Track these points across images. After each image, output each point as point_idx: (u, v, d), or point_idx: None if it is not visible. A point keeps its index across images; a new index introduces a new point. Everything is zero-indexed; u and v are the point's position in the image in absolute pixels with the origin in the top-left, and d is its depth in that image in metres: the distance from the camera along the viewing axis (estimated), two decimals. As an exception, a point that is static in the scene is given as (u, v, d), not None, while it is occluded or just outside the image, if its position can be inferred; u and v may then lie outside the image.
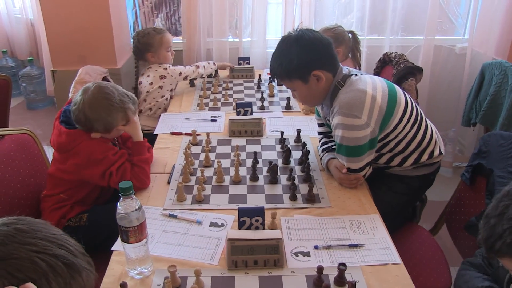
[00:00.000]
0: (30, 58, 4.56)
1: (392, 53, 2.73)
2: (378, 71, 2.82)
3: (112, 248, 1.40)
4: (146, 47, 2.69)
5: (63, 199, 1.80)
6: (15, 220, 0.77)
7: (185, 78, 2.77)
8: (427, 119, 1.93)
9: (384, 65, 2.78)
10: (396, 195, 1.89)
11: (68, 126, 1.75)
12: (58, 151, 1.78)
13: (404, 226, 2.01)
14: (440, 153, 1.92)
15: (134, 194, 1.23)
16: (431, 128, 1.92)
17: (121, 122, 1.76)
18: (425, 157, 1.86)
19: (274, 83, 2.82)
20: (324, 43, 1.73)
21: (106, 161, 1.72)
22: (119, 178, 1.71)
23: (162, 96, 2.69)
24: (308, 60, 1.70)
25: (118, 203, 1.21)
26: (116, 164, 1.73)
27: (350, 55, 2.79)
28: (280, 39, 1.79)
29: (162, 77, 2.67)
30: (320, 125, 2.03)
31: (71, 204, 1.80)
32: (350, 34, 2.76)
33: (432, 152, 1.88)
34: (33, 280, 0.69)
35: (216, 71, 3.04)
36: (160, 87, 2.68)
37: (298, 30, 1.75)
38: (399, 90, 1.82)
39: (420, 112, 1.88)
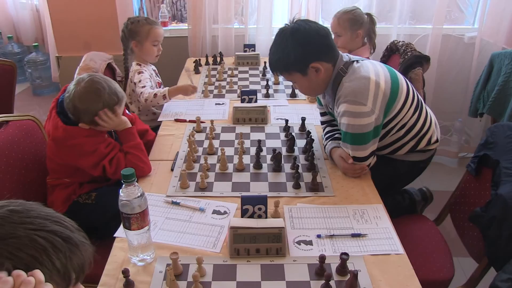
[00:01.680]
0: (36, 44, 4.56)
1: (399, 41, 2.70)
2: (385, 60, 2.79)
3: (114, 235, 1.40)
4: (132, 34, 2.50)
5: (68, 182, 1.83)
6: (7, 203, 0.77)
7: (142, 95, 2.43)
8: (426, 106, 1.93)
9: (391, 54, 2.75)
10: (378, 174, 1.80)
11: (65, 119, 1.75)
12: (52, 141, 1.78)
13: (406, 216, 2.00)
14: (437, 140, 1.93)
15: (137, 181, 1.23)
16: (430, 115, 1.93)
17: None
18: (423, 143, 1.87)
19: (279, 71, 2.80)
20: (320, 34, 1.71)
21: (97, 154, 1.73)
22: (114, 169, 1.73)
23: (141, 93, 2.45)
24: (305, 53, 1.69)
25: (120, 190, 1.21)
26: (108, 157, 1.74)
27: (366, 39, 2.73)
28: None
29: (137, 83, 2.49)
30: (322, 114, 2.02)
31: (79, 182, 1.84)
32: (367, 16, 2.69)
33: (430, 138, 1.89)
34: (34, 257, 0.71)
35: (221, 58, 3.02)
36: (133, 90, 2.53)
37: (294, 22, 1.73)
38: (400, 76, 1.82)
39: (420, 99, 1.87)
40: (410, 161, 1.91)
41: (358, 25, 2.61)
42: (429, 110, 1.94)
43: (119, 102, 1.76)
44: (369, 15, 2.69)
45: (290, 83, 2.59)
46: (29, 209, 0.77)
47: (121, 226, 1.37)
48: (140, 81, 2.44)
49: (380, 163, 1.81)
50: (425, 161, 1.96)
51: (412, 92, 1.82)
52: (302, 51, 1.68)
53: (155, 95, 2.36)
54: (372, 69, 1.73)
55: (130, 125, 1.83)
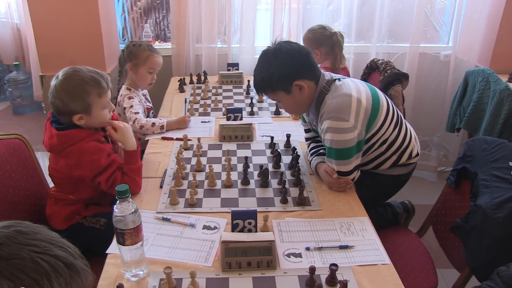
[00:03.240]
0: (16, 63, 4.54)
1: (379, 60, 2.79)
2: (365, 78, 2.88)
3: (107, 251, 1.42)
4: (130, 56, 2.46)
5: (72, 199, 1.81)
6: (14, 223, 0.78)
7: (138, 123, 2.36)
8: (405, 121, 2.01)
9: (371, 72, 2.84)
10: (362, 188, 1.84)
11: (59, 126, 1.74)
12: (50, 152, 1.78)
13: (390, 228, 2.05)
14: (417, 154, 2.01)
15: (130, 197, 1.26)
16: (410, 130, 2.01)
17: (97, 99, 1.72)
18: (404, 158, 1.95)
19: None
20: (302, 53, 1.79)
21: (97, 165, 1.72)
22: (109, 186, 1.73)
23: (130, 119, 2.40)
24: (288, 71, 1.75)
25: (115, 206, 1.23)
26: (105, 174, 1.72)
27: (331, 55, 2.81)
28: (265, 48, 1.84)
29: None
30: (306, 131, 2.08)
31: (84, 203, 1.83)
32: (334, 35, 2.78)
33: (411, 153, 1.97)
34: (35, 280, 0.71)
35: (206, 76, 3.06)
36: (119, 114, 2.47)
37: (276, 43, 1.81)
38: (380, 93, 1.90)
39: (400, 115, 1.95)
40: (393, 175, 1.98)
41: (317, 44, 2.74)
42: (408, 126, 2.02)
43: (102, 77, 1.74)
44: (334, 33, 2.78)
45: (274, 101, 2.66)
46: (36, 232, 0.78)
47: (114, 241, 1.39)
48: (131, 107, 2.40)
49: (364, 178, 1.87)
50: (407, 174, 2.03)
51: (392, 109, 1.89)
52: (285, 70, 1.75)
53: (153, 124, 2.33)
54: (354, 86, 1.80)
55: (136, 148, 1.82)
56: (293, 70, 1.76)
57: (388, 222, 2.13)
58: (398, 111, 1.97)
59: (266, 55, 1.80)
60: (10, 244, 0.73)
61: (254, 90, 2.85)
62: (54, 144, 1.73)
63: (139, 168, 1.81)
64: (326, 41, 2.77)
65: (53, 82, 1.72)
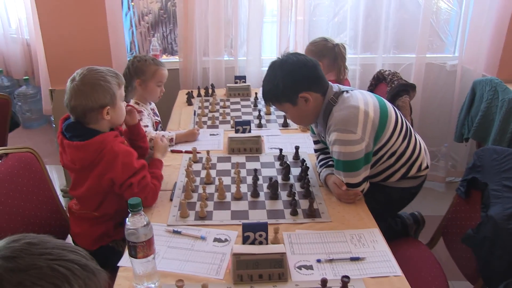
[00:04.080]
0: (26, 77, 4.59)
1: (386, 70, 2.80)
2: (372, 89, 2.88)
3: (118, 264, 1.42)
4: (137, 72, 2.47)
5: (97, 217, 1.79)
6: (21, 237, 0.80)
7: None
8: (415, 133, 2.00)
9: (378, 83, 2.85)
10: (371, 201, 1.84)
11: (81, 139, 1.69)
12: (81, 170, 1.72)
13: (400, 240, 2.05)
14: (427, 166, 1.99)
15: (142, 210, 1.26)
16: (419, 142, 2.00)
17: (118, 89, 1.73)
18: (414, 170, 1.94)
19: (271, 101, 2.86)
20: (308, 65, 1.80)
21: (130, 167, 1.70)
22: (139, 190, 1.70)
23: None
24: (293, 83, 1.77)
25: (127, 219, 1.24)
26: (138, 175, 1.71)
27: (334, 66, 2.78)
28: (274, 58, 1.86)
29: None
30: (315, 142, 2.08)
31: (115, 223, 1.82)
32: (336, 47, 2.75)
33: (420, 165, 1.95)
34: (56, 285, 0.74)
35: (213, 89, 3.08)
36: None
37: (284, 55, 1.83)
38: (389, 104, 1.89)
39: (409, 127, 1.95)
40: (402, 187, 1.97)
41: (320, 56, 2.69)
42: (418, 137, 2.01)
43: (117, 75, 1.76)
44: (338, 46, 2.76)
45: (282, 113, 2.68)
46: (45, 241, 0.80)
47: (125, 254, 1.39)
48: (141, 120, 2.37)
49: (373, 190, 1.86)
50: (417, 187, 2.02)
51: (401, 120, 1.89)
52: (290, 81, 1.77)
53: (163, 136, 2.33)
54: (361, 98, 1.80)
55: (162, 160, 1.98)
56: (298, 82, 1.77)
57: (398, 233, 2.12)
58: (407, 122, 1.96)
59: (273, 66, 1.83)
60: (25, 256, 0.76)
61: (261, 102, 2.91)
62: (86, 157, 1.68)
63: (162, 176, 1.89)
64: (328, 53, 2.73)
65: (70, 85, 1.68)
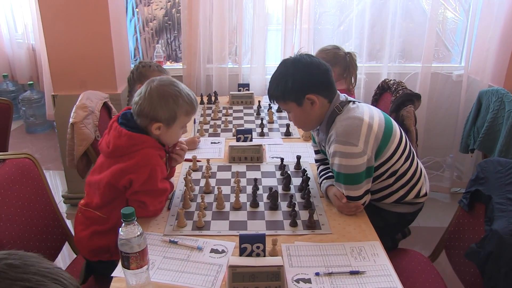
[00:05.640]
0: (31, 82, 4.61)
1: (391, 80, 2.77)
2: (376, 98, 2.85)
3: (112, 274, 1.39)
4: (140, 77, 2.46)
5: (98, 218, 1.73)
6: (5, 255, 0.74)
7: None
8: (418, 159, 1.96)
9: (382, 92, 2.82)
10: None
11: (130, 129, 1.66)
12: (110, 155, 1.69)
13: (402, 252, 2.00)
14: (425, 194, 1.94)
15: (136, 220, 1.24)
16: (421, 168, 1.96)
17: (184, 116, 1.70)
18: (412, 195, 1.89)
19: (274, 110, 2.84)
20: (321, 68, 1.77)
21: (154, 176, 1.66)
22: (155, 210, 1.73)
23: None
24: (303, 83, 1.74)
25: (120, 229, 1.22)
26: (158, 198, 1.72)
27: (345, 75, 2.75)
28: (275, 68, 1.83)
29: None
30: (316, 152, 2.05)
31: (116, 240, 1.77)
32: (348, 56, 2.72)
33: (419, 191, 1.91)
34: None
35: (216, 97, 3.07)
36: None
37: (297, 54, 1.80)
38: (395, 123, 1.86)
39: (412, 150, 1.92)
40: (398, 212, 1.93)
41: (331, 64, 2.63)
42: (420, 163, 1.97)
43: (195, 100, 1.74)
44: (349, 54, 2.73)
45: (285, 122, 2.65)
46: (29, 264, 0.74)
47: (119, 265, 1.37)
48: None
49: (368, 213, 1.80)
50: (413, 214, 1.98)
51: (405, 141, 1.85)
52: (300, 81, 1.73)
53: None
54: (367, 111, 1.77)
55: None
56: (307, 83, 1.74)
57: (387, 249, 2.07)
58: (411, 146, 1.93)
59: (285, 63, 1.79)
60: (1, 280, 0.69)
61: (264, 111, 2.89)
62: (121, 145, 1.65)
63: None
64: (339, 61, 2.69)
65: (146, 85, 1.67)
